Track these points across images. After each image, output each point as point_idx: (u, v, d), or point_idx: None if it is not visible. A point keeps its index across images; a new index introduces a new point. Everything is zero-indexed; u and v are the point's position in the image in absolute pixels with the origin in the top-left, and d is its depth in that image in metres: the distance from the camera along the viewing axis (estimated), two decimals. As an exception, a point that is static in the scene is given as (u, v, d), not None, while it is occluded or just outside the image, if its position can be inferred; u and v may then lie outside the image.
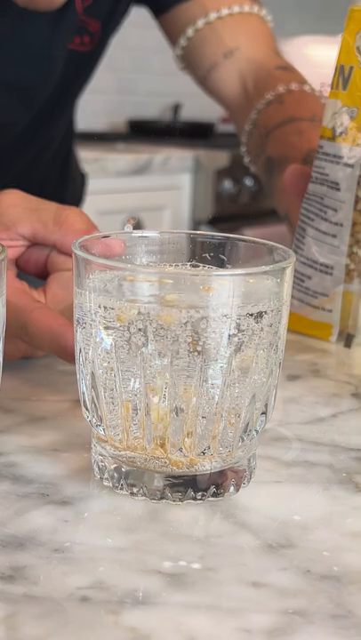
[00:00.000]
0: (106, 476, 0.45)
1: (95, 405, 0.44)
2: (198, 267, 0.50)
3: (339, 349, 0.72)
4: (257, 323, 0.42)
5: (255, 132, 0.95)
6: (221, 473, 0.44)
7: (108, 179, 2.06)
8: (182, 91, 2.44)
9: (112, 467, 0.45)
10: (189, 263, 0.50)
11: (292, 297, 0.73)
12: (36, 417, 0.54)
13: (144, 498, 0.44)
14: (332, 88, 0.71)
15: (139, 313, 0.41)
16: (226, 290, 0.41)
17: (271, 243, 0.47)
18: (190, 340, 0.41)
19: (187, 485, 0.44)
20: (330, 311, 0.72)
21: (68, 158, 1.11)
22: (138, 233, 0.51)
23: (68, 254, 0.59)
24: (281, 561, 0.39)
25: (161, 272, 0.45)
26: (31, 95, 0.94)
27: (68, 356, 0.53)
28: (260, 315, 0.42)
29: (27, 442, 0.50)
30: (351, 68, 0.70)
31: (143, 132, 2.51)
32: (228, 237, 0.49)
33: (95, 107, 2.65)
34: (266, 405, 0.45)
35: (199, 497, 0.44)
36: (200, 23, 0.97)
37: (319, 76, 1.02)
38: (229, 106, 1.02)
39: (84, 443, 0.50)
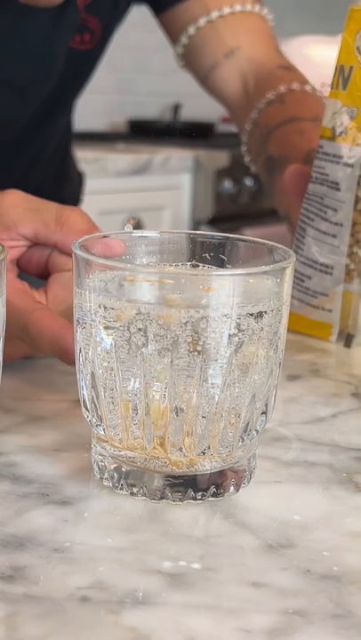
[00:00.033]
0: (106, 475, 0.45)
1: (95, 405, 0.44)
2: (198, 267, 0.50)
3: (339, 349, 0.72)
4: (257, 322, 0.42)
5: (256, 131, 0.95)
6: (221, 473, 0.44)
7: (108, 179, 2.06)
8: (182, 91, 2.44)
9: (112, 466, 0.45)
10: (189, 263, 0.50)
11: (292, 297, 0.73)
12: (36, 417, 0.54)
13: (144, 498, 0.44)
14: (332, 88, 0.71)
15: (139, 313, 0.41)
16: (226, 290, 0.41)
17: (271, 243, 0.47)
18: (190, 339, 0.41)
19: (187, 485, 0.44)
20: (330, 311, 0.72)
21: (66, 158, 1.11)
22: (138, 233, 0.51)
23: (70, 255, 0.59)
24: (281, 561, 0.39)
25: (161, 272, 0.45)
26: (31, 93, 0.93)
27: (69, 358, 0.53)
28: (260, 314, 0.42)
29: (27, 442, 0.50)
30: (351, 67, 0.70)
31: (143, 131, 2.51)
32: (228, 237, 0.49)
33: (95, 107, 2.65)
34: (266, 405, 0.45)
35: (199, 497, 0.44)
36: (202, 22, 0.97)
37: (319, 76, 1.02)
38: (230, 105, 1.02)
39: (83, 443, 0.50)
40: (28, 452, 0.49)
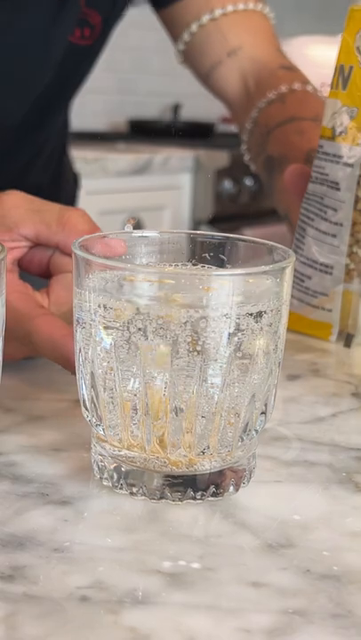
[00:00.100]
0: (105, 475, 0.45)
1: (95, 405, 0.44)
2: (198, 266, 0.50)
3: (339, 349, 0.72)
4: (257, 322, 0.42)
5: (256, 130, 0.95)
6: (221, 472, 0.44)
7: (109, 179, 2.06)
8: (182, 91, 2.44)
9: (112, 466, 0.45)
10: (189, 263, 0.50)
11: (292, 297, 0.73)
12: (35, 416, 0.54)
13: (144, 497, 0.44)
14: (331, 88, 0.71)
15: (138, 312, 0.41)
16: (226, 289, 0.41)
17: (271, 243, 0.47)
18: (190, 339, 0.41)
19: (186, 485, 0.44)
20: (330, 311, 0.72)
21: (62, 159, 1.11)
22: (138, 233, 0.51)
23: (71, 255, 0.59)
24: (281, 561, 0.39)
25: (161, 272, 0.45)
26: (28, 88, 0.92)
27: (70, 366, 0.53)
28: (259, 314, 0.42)
29: (26, 441, 0.50)
30: (351, 67, 0.70)
31: (143, 131, 2.51)
32: (227, 237, 0.49)
33: (95, 107, 2.65)
34: (265, 405, 0.45)
35: (199, 497, 0.44)
36: (205, 19, 0.97)
37: (319, 76, 1.02)
38: (231, 104, 1.02)
39: (83, 442, 0.50)
40: (27, 451, 0.49)
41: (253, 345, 0.42)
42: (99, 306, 0.43)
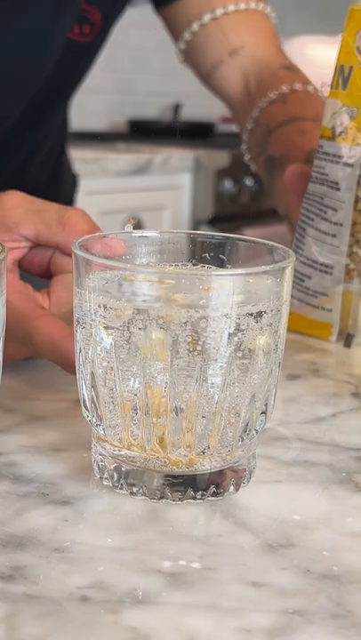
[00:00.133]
0: (106, 475, 0.45)
1: (95, 405, 0.44)
2: (198, 266, 0.50)
3: (339, 349, 0.72)
4: (257, 322, 0.42)
5: (257, 130, 0.95)
6: (221, 472, 0.44)
7: (108, 179, 2.06)
8: (182, 91, 2.44)
9: (112, 466, 0.45)
10: (189, 263, 0.50)
11: (292, 296, 0.73)
12: (35, 416, 0.54)
13: (144, 497, 0.44)
14: (331, 88, 0.71)
15: (138, 313, 0.41)
16: (226, 289, 0.41)
17: (271, 243, 0.47)
18: (190, 339, 0.41)
19: (186, 485, 0.44)
20: (330, 311, 0.72)
21: (60, 159, 1.10)
22: (138, 233, 0.51)
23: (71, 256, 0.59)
24: (281, 560, 0.39)
25: (161, 272, 0.45)
26: (27, 85, 0.91)
27: (70, 367, 0.53)
28: (259, 314, 0.42)
29: (26, 441, 0.50)
30: (351, 67, 0.70)
31: (143, 131, 2.51)
32: (228, 237, 0.49)
33: (95, 107, 2.65)
34: (266, 405, 0.45)
35: (199, 496, 0.44)
36: (206, 18, 0.96)
37: (320, 76, 1.02)
38: (232, 104, 1.01)
39: (83, 442, 0.50)
40: (27, 451, 0.49)
41: (254, 345, 0.42)
42: (99, 306, 0.43)
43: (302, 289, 0.74)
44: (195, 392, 0.42)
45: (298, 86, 0.94)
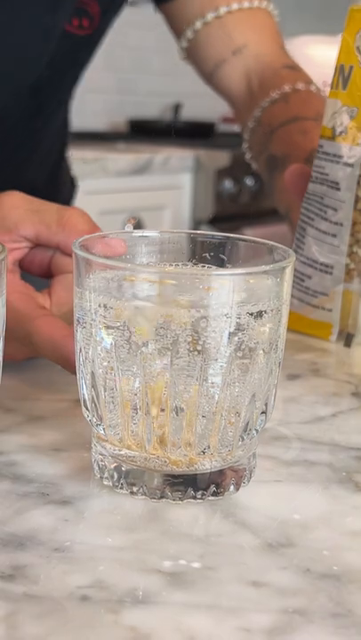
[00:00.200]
0: (106, 475, 0.45)
1: (95, 405, 0.44)
2: (198, 266, 0.50)
3: (339, 349, 0.72)
4: (257, 322, 0.42)
5: (259, 129, 0.95)
6: (221, 472, 0.44)
7: (109, 179, 2.06)
8: (182, 91, 2.44)
9: (112, 466, 0.45)
10: (190, 263, 0.50)
11: (292, 296, 0.73)
12: (36, 416, 0.54)
13: (144, 497, 0.44)
14: (331, 88, 0.71)
15: (139, 312, 0.41)
16: (226, 289, 0.41)
17: (271, 242, 0.47)
18: (190, 339, 0.41)
19: (187, 484, 0.44)
20: (330, 310, 0.72)
21: (60, 159, 1.10)
22: (138, 233, 0.51)
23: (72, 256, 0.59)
24: (281, 560, 0.40)
25: (161, 272, 0.45)
26: (26, 82, 0.91)
27: (70, 367, 0.53)
28: (259, 314, 0.42)
29: (27, 441, 0.50)
30: (351, 67, 0.70)
31: (143, 131, 2.51)
32: (228, 237, 0.49)
33: (95, 107, 2.65)
34: (266, 405, 0.45)
35: (199, 496, 0.44)
36: (209, 17, 0.96)
37: (320, 76, 1.02)
38: (234, 102, 1.01)
39: (84, 442, 0.50)
40: (28, 451, 0.49)
41: (254, 345, 0.42)
42: (99, 305, 0.43)
43: (302, 289, 0.74)
44: (195, 392, 0.42)
45: (300, 86, 0.94)
